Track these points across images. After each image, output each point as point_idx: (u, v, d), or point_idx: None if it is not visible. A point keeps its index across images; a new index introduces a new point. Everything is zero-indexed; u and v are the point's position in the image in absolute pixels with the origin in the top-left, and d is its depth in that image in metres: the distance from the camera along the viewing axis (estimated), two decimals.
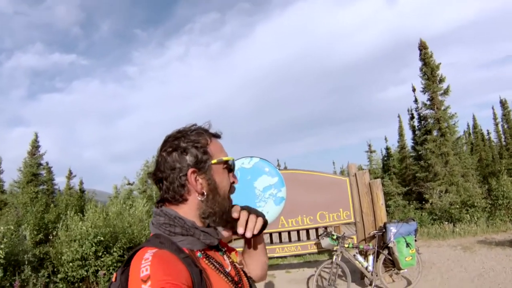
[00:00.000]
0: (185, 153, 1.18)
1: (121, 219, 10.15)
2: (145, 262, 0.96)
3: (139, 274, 0.94)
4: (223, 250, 1.30)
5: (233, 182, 1.26)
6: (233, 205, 1.25)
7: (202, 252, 1.14)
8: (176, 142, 1.20)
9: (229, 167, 1.25)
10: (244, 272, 1.33)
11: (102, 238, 8.49)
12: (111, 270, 8.42)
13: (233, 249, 1.39)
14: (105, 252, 8.55)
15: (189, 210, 1.17)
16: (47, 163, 28.65)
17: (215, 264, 1.15)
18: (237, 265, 1.33)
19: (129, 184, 28.97)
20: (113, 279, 1.07)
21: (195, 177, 1.17)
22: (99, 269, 8.32)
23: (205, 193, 1.18)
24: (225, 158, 1.23)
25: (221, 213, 1.18)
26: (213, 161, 1.19)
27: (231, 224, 1.22)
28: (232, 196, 1.25)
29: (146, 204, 11.86)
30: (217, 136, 1.28)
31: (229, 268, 1.22)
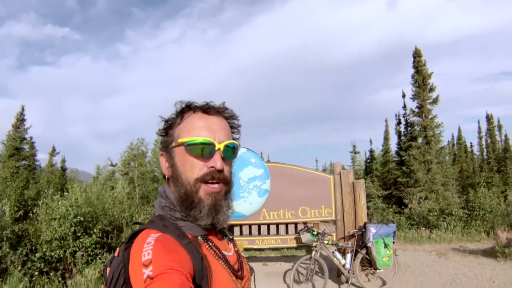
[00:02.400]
0: (162, 134, 1.18)
1: (102, 200, 10.06)
2: (147, 246, 0.95)
3: (140, 257, 0.93)
4: (230, 237, 1.27)
5: (212, 167, 1.09)
6: (199, 195, 1.09)
7: (204, 236, 1.11)
8: (163, 123, 1.19)
9: (192, 149, 1.09)
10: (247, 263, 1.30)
11: (81, 219, 8.39)
12: (89, 252, 8.33)
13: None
14: (84, 233, 8.47)
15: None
16: (31, 138, 28.14)
17: (215, 249, 1.11)
18: (241, 254, 1.29)
19: (112, 165, 28.58)
20: (116, 254, 1.06)
21: (164, 160, 1.16)
22: (77, 250, 8.24)
23: (167, 177, 1.16)
24: (180, 140, 1.10)
25: (182, 200, 1.10)
26: (173, 144, 1.12)
27: (194, 213, 1.09)
28: None
29: (127, 187, 11.80)
30: (206, 111, 1.15)
31: (230, 253, 1.19)
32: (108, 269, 1.05)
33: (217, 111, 1.16)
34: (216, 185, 1.10)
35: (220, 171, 1.09)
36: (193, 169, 1.09)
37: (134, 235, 1.04)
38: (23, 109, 28.01)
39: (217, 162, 1.09)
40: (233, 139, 1.17)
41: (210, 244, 1.11)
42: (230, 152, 1.14)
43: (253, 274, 1.32)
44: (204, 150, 1.08)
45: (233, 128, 1.20)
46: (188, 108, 1.14)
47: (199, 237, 1.10)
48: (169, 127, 1.15)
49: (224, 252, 1.14)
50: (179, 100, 1.17)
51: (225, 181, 1.12)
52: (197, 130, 1.10)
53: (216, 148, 1.10)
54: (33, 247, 8.47)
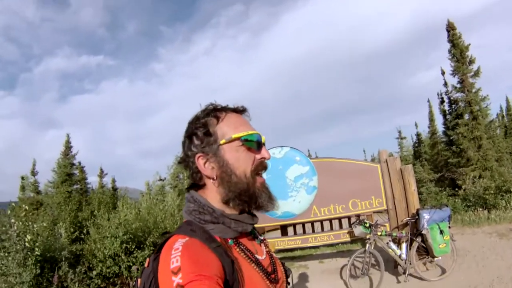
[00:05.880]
0: (193, 137, 1.15)
1: (153, 214, 10.31)
2: (175, 253, 0.94)
3: (169, 265, 0.92)
4: (261, 238, 1.25)
5: (263, 158, 1.15)
6: (256, 186, 1.12)
7: (234, 240, 1.10)
8: (188, 127, 1.19)
9: (249, 143, 1.12)
10: (282, 262, 1.29)
11: (131, 236, 8.65)
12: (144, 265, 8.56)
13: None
14: (136, 248, 8.71)
15: (211, 196, 1.13)
16: (79, 163, 29.28)
17: (247, 252, 1.10)
18: (274, 255, 1.26)
19: (160, 180, 29.30)
20: (146, 265, 1.06)
21: (204, 162, 1.12)
22: (132, 264, 8.49)
23: (216, 177, 1.12)
24: (236, 135, 1.11)
25: (239, 195, 1.10)
26: (222, 141, 1.11)
27: (257, 205, 1.13)
28: None
29: (177, 199, 12.01)
30: (237, 111, 1.20)
31: (263, 257, 1.17)
32: (139, 280, 1.06)
33: (242, 111, 1.22)
34: (263, 176, 1.17)
35: None
36: (247, 162, 1.12)
37: (162, 244, 1.03)
38: (69, 137, 29.24)
39: (265, 153, 1.16)
40: None
41: (241, 247, 1.10)
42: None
43: (290, 276, 1.31)
44: (258, 144, 1.14)
45: None
46: (222, 109, 1.18)
47: (230, 240, 1.09)
48: (207, 128, 1.15)
49: (257, 256, 1.13)
50: (206, 103, 1.21)
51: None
52: (243, 126, 1.15)
53: (263, 141, 1.17)
54: (90, 265, 8.81)
